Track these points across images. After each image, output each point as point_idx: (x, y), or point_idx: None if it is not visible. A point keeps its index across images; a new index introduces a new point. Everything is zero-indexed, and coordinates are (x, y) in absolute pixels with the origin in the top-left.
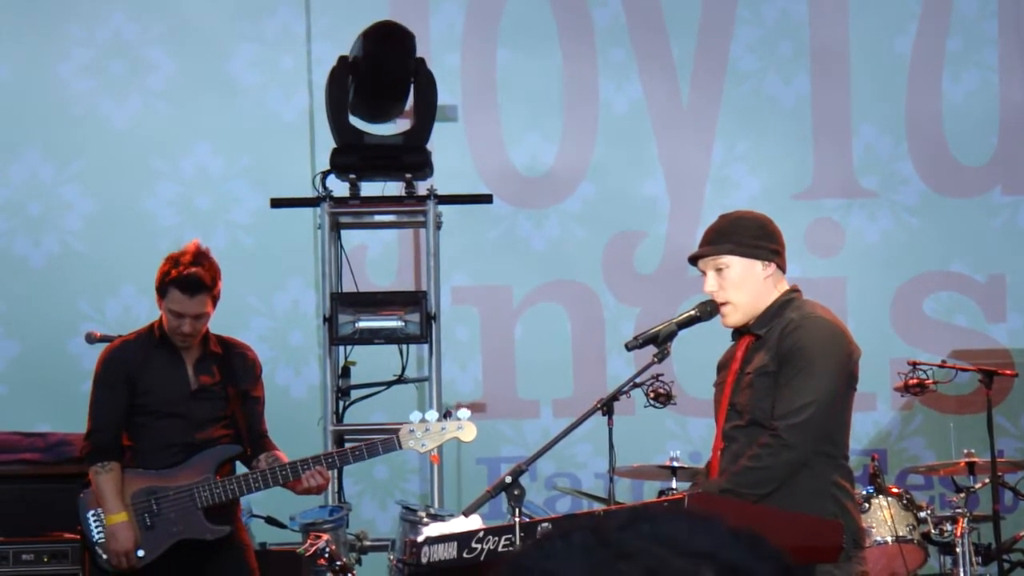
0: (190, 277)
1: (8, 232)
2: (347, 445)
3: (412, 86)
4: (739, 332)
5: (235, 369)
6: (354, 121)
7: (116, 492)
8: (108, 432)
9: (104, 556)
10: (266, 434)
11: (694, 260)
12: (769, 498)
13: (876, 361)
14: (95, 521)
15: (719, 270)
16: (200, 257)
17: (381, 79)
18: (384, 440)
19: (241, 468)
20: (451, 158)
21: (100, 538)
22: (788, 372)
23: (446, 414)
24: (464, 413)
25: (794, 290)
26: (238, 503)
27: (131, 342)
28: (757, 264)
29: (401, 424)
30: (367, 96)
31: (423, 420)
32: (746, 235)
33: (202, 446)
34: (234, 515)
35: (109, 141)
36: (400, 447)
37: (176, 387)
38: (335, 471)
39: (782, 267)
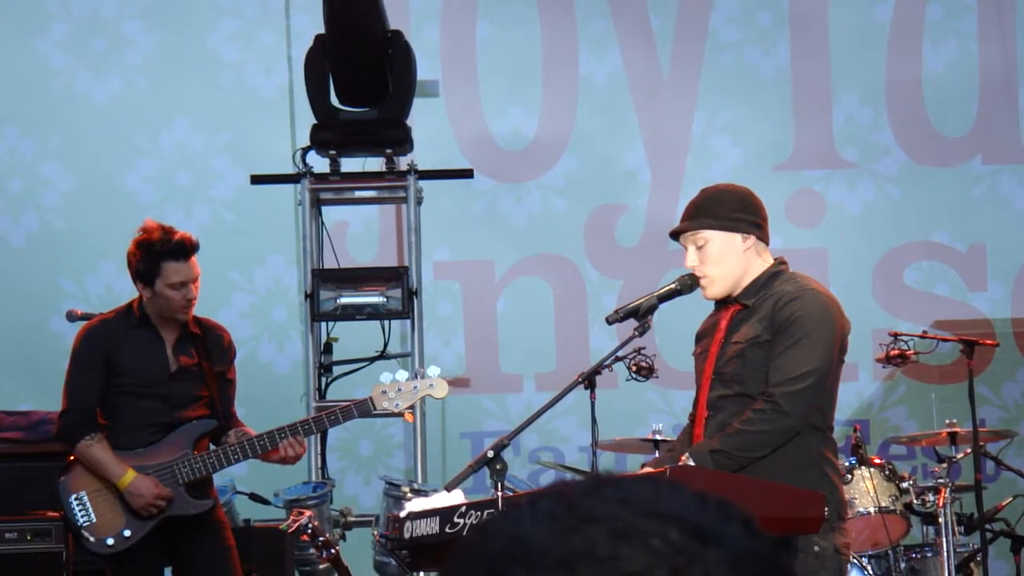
0: (180, 243)
1: None
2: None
3: (387, 59)
4: (722, 302)
5: (211, 349)
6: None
7: (114, 456)
8: (83, 411)
9: (92, 539)
10: (234, 414)
11: (675, 235)
12: (758, 468)
13: (858, 332)
14: (78, 505)
15: (699, 245)
16: (166, 227)
17: (348, 50)
18: (358, 403)
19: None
20: (431, 133)
21: (84, 522)
22: (784, 341)
23: (416, 373)
24: (434, 370)
25: (781, 262)
26: (211, 480)
27: (109, 321)
28: (736, 237)
29: (374, 387)
30: (343, 74)
31: (395, 380)
32: (725, 209)
33: (180, 424)
34: (213, 489)
35: (88, 117)
36: (374, 408)
37: (155, 368)
38: (319, 448)
39: (764, 239)
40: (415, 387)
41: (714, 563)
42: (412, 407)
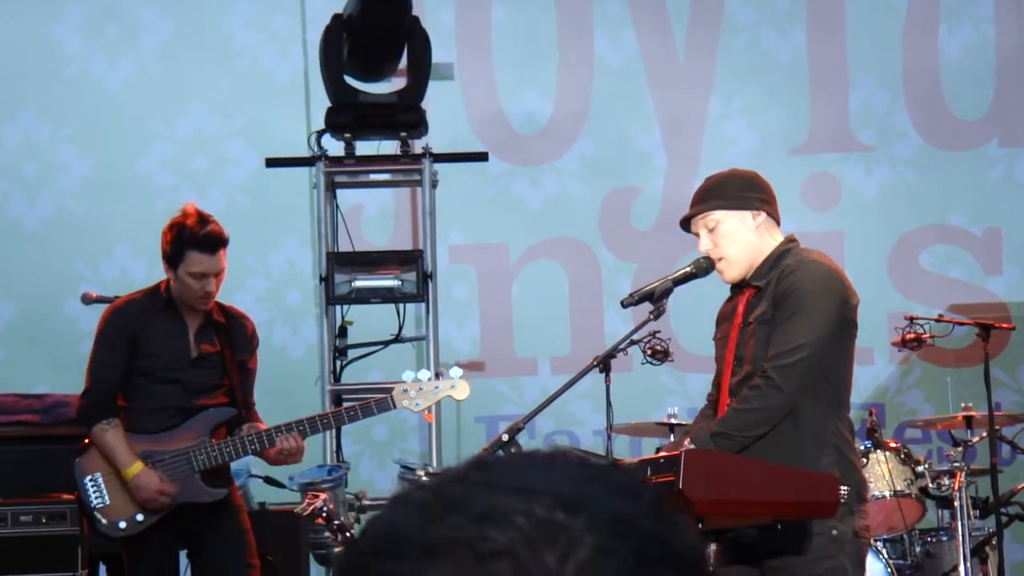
0: (210, 235)
1: (3, 194)
2: (343, 405)
3: (406, 44)
4: (738, 285)
5: (234, 338)
6: (349, 80)
7: (126, 445)
8: (105, 392)
9: (104, 521)
10: (252, 405)
11: (686, 224)
12: (767, 446)
13: (873, 315)
14: (92, 486)
15: (711, 228)
16: (204, 215)
17: (375, 34)
18: (378, 400)
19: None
20: (446, 116)
21: (98, 503)
22: (781, 314)
23: (438, 373)
24: (456, 371)
25: (791, 240)
26: (228, 468)
27: (136, 302)
28: (747, 215)
29: (395, 383)
30: (361, 52)
31: (416, 379)
32: (732, 189)
33: (198, 411)
34: (229, 477)
35: (103, 102)
36: (394, 406)
37: (177, 353)
38: (334, 432)
39: (774, 217)
40: (436, 387)
41: (580, 532)
42: (431, 407)
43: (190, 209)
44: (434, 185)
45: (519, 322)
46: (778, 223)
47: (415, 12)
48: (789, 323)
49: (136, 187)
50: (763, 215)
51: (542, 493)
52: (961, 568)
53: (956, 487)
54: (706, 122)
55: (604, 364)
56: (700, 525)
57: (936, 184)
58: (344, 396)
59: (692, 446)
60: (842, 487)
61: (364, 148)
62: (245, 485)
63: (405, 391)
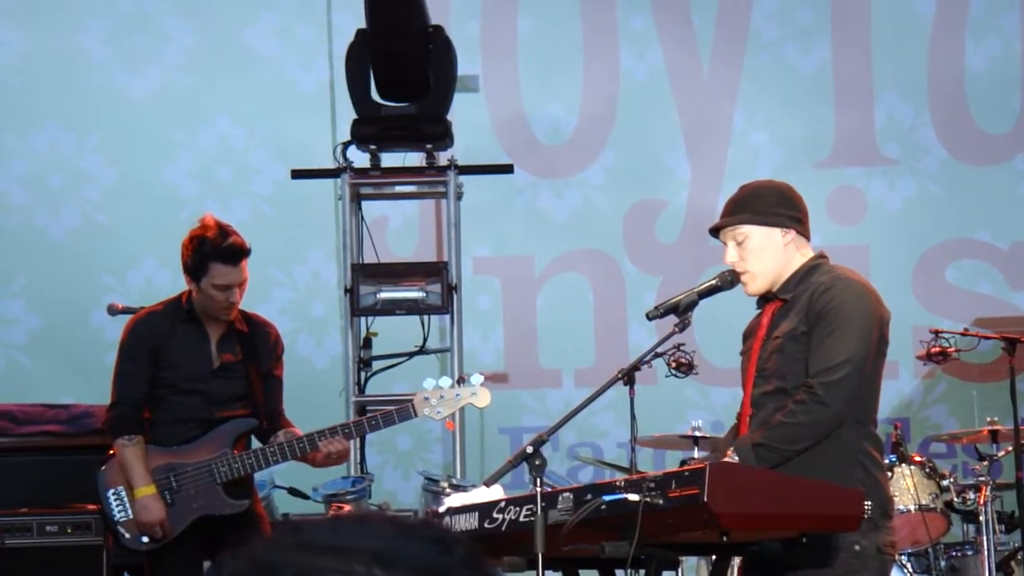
0: (232, 247)
1: (29, 205)
2: (366, 415)
3: (428, 60)
4: (764, 299)
5: (258, 348)
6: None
7: (143, 465)
8: (132, 404)
9: (127, 535)
10: (283, 413)
11: (715, 232)
12: (797, 463)
13: (899, 329)
14: (115, 500)
15: (739, 241)
16: (225, 227)
17: (392, 49)
18: (399, 409)
19: (256, 444)
20: (472, 128)
21: (121, 517)
22: (821, 331)
23: (459, 380)
24: (477, 379)
25: (821, 256)
26: (251, 479)
27: (158, 313)
28: (776, 232)
29: (416, 392)
30: (382, 69)
31: (437, 387)
32: (764, 204)
33: (220, 423)
34: (251, 488)
35: (129, 113)
36: (415, 415)
37: (198, 364)
38: (358, 443)
39: (804, 234)
40: (457, 395)
41: None
42: (453, 415)
43: (210, 221)
44: (459, 197)
45: (543, 334)
46: (808, 239)
47: (441, 23)
48: (830, 340)
49: (161, 197)
50: (792, 233)
51: (359, 551)
52: None
53: (981, 501)
54: (731, 135)
55: (628, 376)
56: (725, 538)
57: (962, 198)
58: (368, 407)
59: (735, 456)
60: (866, 502)
61: (389, 160)
62: (269, 496)
63: (426, 399)
